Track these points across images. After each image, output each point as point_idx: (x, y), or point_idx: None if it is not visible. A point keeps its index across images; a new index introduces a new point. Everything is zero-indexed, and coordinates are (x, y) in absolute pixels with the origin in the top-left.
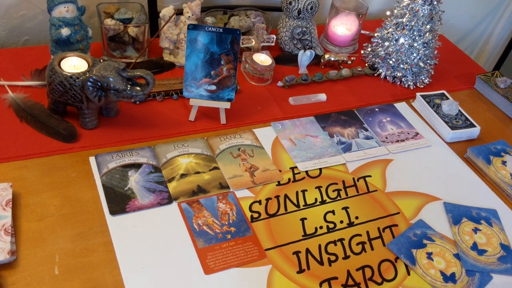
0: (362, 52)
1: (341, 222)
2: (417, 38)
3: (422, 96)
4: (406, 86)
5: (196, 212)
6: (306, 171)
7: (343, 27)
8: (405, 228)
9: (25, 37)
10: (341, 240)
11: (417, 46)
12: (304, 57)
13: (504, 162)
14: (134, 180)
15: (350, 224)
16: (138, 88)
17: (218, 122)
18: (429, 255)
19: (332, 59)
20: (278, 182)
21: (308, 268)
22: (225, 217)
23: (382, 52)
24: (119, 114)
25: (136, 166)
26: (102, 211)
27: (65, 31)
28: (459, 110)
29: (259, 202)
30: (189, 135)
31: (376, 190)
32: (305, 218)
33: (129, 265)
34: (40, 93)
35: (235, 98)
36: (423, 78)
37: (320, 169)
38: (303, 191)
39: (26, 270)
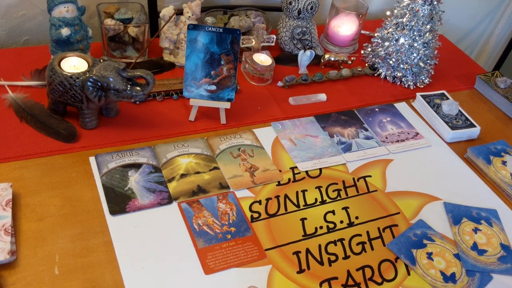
0: (362, 52)
1: (341, 222)
2: (417, 38)
3: (422, 96)
4: (406, 86)
5: (196, 212)
6: (306, 171)
7: (343, 27)
8: (405, 228)
9: (25, 37)
10: (341, 240)
11: (417, 46)
12: (304, 57)
13: (504, 162)
14: (134, 180)
15: (350, 224)
16: (138, 88)
17: (218, 122)
18: (429, 255)
19: (332, 59)
20: (278, 182)
21: (308, 268)
22: (225, 217)
23: (382, 52)
24: (119, 114)
25: (136, 166)
26: (102, 211)
27: (65, 31)
28: (459, 110)
29: (259, 202)
30: (189, 135)
31: (376, 190)
32: (305, 218)
33: (129, 265)
34: (40, 93)
35: (235, 98)
36: (423, 78)
37: (320, 169)
38: (303, 191)
39: (26, 270)
